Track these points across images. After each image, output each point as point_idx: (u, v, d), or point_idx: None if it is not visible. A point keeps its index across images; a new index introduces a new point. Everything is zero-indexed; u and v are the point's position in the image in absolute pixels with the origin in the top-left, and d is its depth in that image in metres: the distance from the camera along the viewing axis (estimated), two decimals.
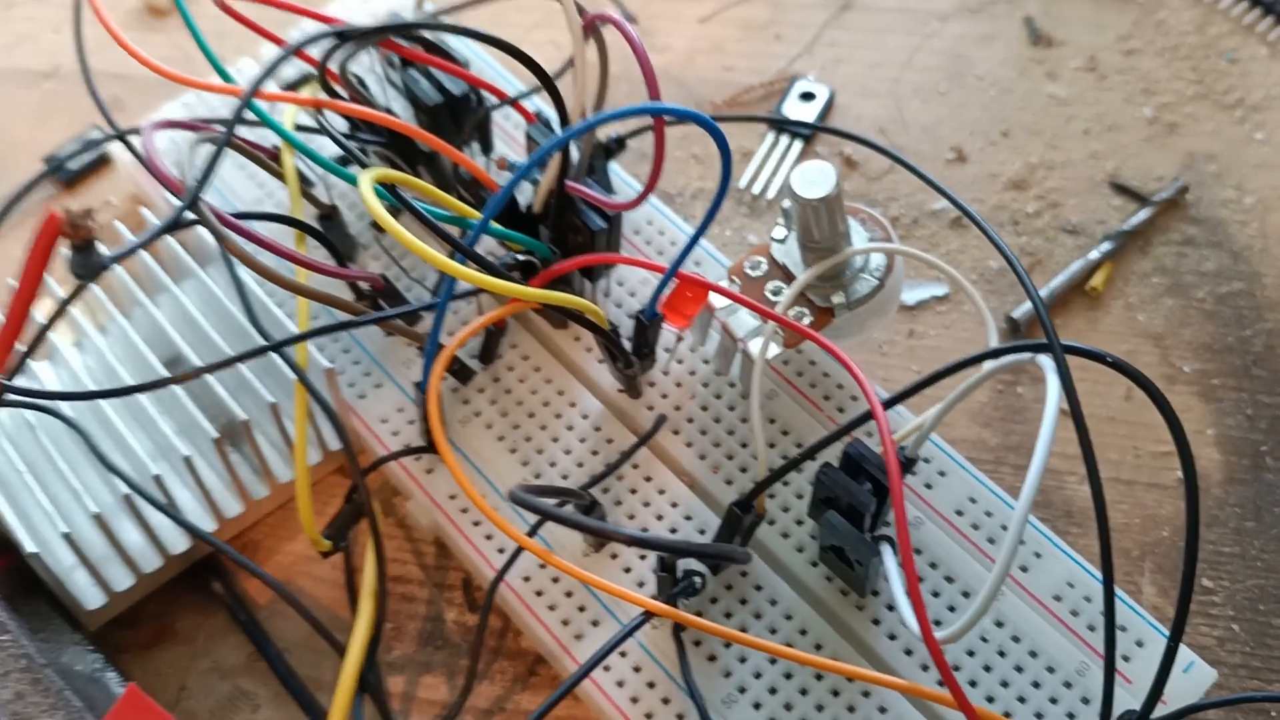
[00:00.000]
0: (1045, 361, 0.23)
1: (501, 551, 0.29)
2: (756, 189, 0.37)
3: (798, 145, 0.37)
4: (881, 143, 0.37)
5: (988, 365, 0.25)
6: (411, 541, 0.31)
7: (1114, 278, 0.34)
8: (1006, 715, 0.26)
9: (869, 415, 0.25)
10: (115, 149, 0.37)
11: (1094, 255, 0.34)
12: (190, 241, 0.33)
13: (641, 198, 0.28)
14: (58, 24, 0.43)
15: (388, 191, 0.26)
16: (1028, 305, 0.34)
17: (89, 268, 0.20)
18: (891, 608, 0.28)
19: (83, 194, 0.38)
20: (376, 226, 0.31)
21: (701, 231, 0.28)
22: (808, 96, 0.38)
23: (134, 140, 0.36)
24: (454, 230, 0.27)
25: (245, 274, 0.30)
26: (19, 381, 0.26)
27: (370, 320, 0.28)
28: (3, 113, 0.41)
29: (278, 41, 0.30)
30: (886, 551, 0.26)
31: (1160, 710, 0.24)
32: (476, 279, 0.25)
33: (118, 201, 0.38)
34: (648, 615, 0.26)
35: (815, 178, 0.28)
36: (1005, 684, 0.27)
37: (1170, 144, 0.37)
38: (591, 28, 0.28)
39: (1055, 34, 0.40)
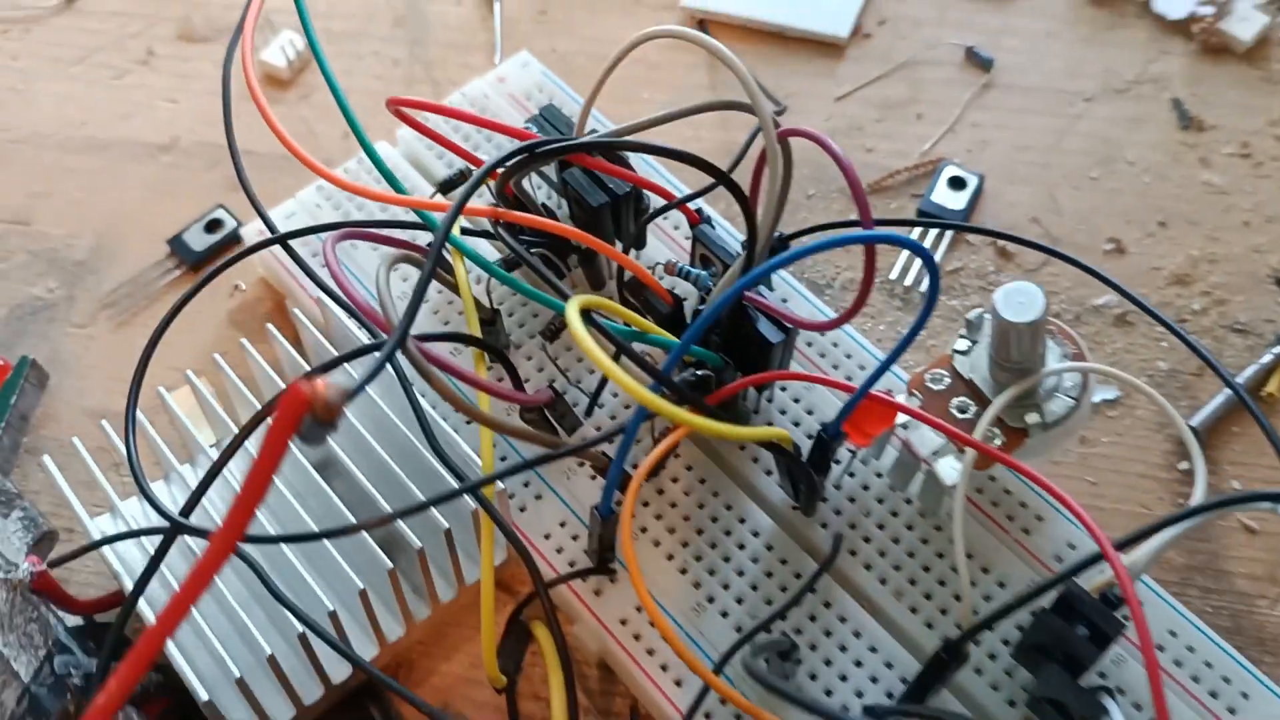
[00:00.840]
0: None
1: (679, 684, 0.28)
2: (908, 281, 0.36)
3: (949, 235, 0.36)
4: (1036, 233, 0.36)
5: (1224, 510, 0.24)
6: (575, 662, 0.30)
7: None
8: None
9: (1093, 559, 0.24)
10: (247, 232, 0.36)
11: (1266, 359, 0.33)
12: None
13: (839, 323, 0.27)
14: (171, 92, 0.42)
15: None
16: (1204, 413, 0.32)
17: (319, 440, 0.19)
18: None
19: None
20: (545, 336, 0.30)
21: (895, 357, 0.26)
22: (957, 183, 0.37)
23: (254, 230, 0.35)
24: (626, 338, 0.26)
25: (420, 396, 0.29)
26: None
27: (566, 453, 0.26)
28: (119, 187, 0.40)
29: (468, 156, 0.29)
30: (1113, 709, 0.24)
31: None
32: (685, 419, 0.24)
33: (246, 286, 0.37)
34: None
35: (1023, 300, 0.26)
36: None
37: None
38: (783, 140, 0.27)
39: (1205, 117, 0.38)
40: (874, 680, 0.27)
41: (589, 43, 0.42)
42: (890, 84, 0.40)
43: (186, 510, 0.25)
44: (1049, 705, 0.25)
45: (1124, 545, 0.24)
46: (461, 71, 0.42)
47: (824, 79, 0.40)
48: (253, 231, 0.36)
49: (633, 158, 0.35)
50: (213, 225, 0.38)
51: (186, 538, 0.27)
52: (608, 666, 0.30)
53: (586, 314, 0.25)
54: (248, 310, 0.36)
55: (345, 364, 0.26)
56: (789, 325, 0.29)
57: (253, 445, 0.27)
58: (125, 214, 0.39)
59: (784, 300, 0.33)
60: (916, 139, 0.39)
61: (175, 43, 0.43)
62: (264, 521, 0.28)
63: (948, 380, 0.29)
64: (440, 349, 0.32)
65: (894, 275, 0.36)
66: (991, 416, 0.27)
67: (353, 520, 0.27)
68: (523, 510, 0.30)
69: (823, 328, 0.28)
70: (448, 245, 0.29)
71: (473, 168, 0.31)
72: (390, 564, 0.26)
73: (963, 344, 0.29)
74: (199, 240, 0.38)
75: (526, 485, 0.31)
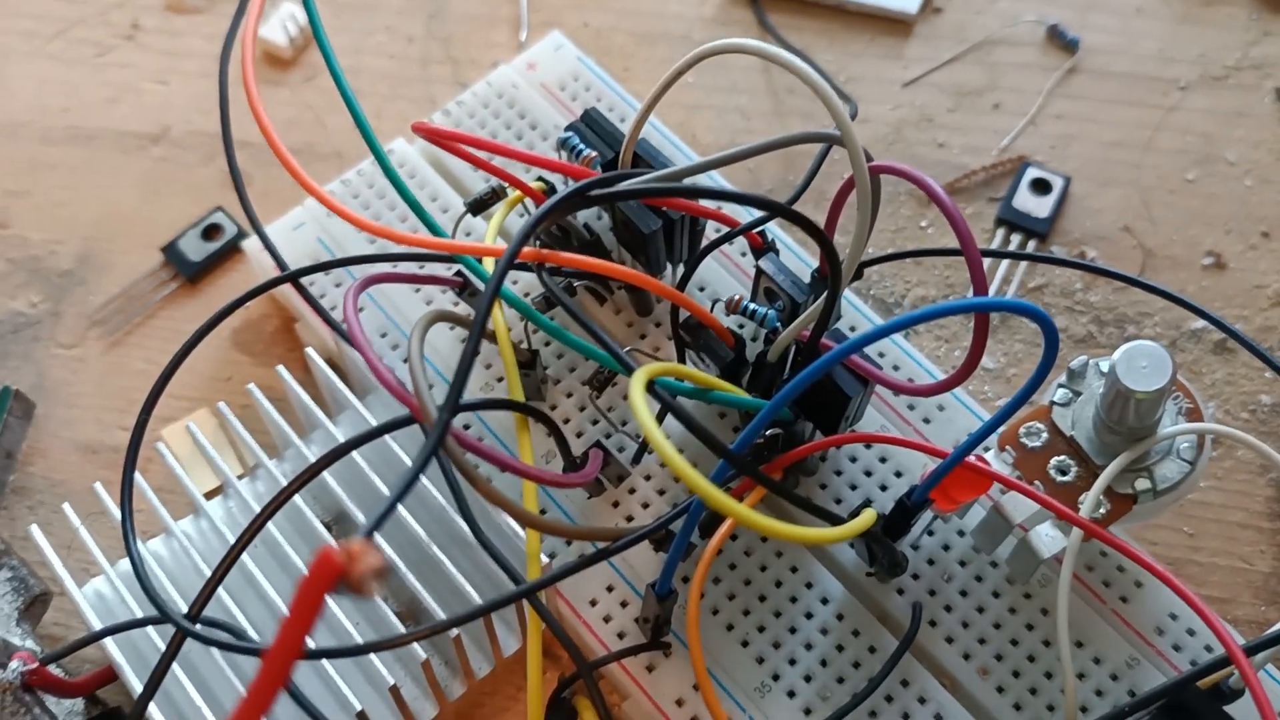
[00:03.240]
0: None
1: None
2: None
3: (1032, 244, 0.33)
4: (1127, 244, 0.33)
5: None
6: None
7: None
8: None
9: (1220, 661, 0.22)
10: (250, 246, 0.32)
11: None
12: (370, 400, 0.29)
13: (943, 388, 0.24)
14: (161, 73, 0.38)
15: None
16: None
17: (349, 595, 0.16)
18: None
19: (207, 292, 0.34)
20: (592, 387, 0.27)
21: (998, 423, 0.23)
22: (1040, 186, 0.33)
23: (255, 242, 0.31)
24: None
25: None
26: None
27: (625, 545, 0.23)
28: (106, 184, 0.36)
29: (500, 174, 0.26)
30: None
31: None
32: (752, 521, 0.20)
33: (251, 304, 0.33)
34: None
35: (1146, 365, 0.23)
36: None
37: None
38: (874, 176, 0.23)
39: None
40: None
41: (625, 16, 0.38)
42: (963, 67, 0.36)
43: (195, 613, 0.22)
44: None
45: (1255, 650, 0.22)
46: (484, 50, 0.37)
47: (890, 61, 0.36)
48: (256, 246, 0.32)
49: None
50: (211, 231, 0.34)
51: (216, 654, 0.24)
52: None
53: (650, 384, 0.22)
54: (252, 330, 0.33)
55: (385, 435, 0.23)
56: (867, 379, 0.25)
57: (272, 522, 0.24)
58: (114, 216, 0.35)
59: (852, 328, 0.30)
60: (994, 133, 0.35)
61: (163, 14, 0.39)
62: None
63: (1045, 436, 0.26)
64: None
65: None
66: (1101, 487, 0.24)
67: (386, 609, 0.24)
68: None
69: (916, 393, 0.24)
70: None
71: (505, 185, 0.28)
72: (424, 655, 0.24)
73: (1062, 394, 0.26)
74: (196, 249, 0.34)
75: (569, 544, 0.28)
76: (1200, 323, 0.32)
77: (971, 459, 0.25)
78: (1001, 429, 0.26)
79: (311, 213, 0.32)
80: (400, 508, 0.25)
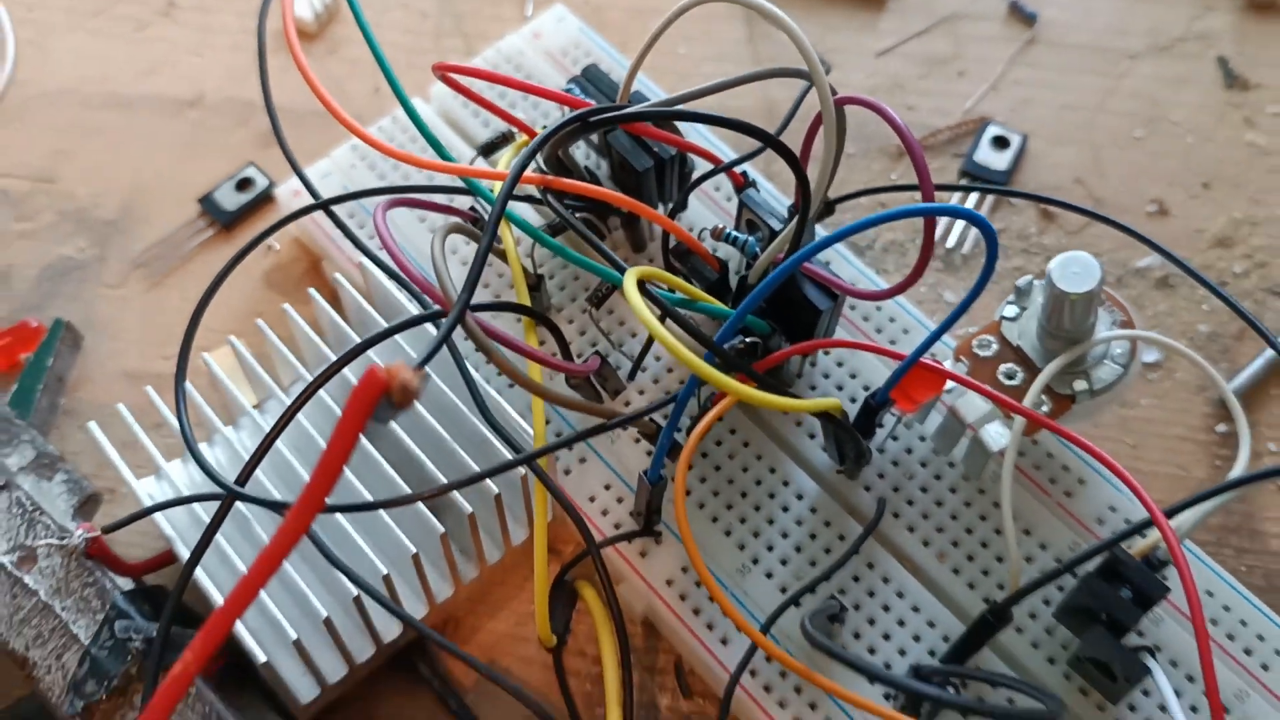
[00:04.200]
0: None
1: (725, 643, 0.28)
2: (950, 243, 0.35)
3: (991, 197, 0.36)
4: (1079, 194, 0.36)
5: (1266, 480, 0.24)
6: None
7: None
8: None
9: (1143, 524, 0.25)
10: (282, 192, 0.36)
11: None
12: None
13: (891, 294, 0.27)
14: (195, 46, 0.41)
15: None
16: (1244, 377, 0.32)
17: (389, 418, 0.19)
18: (1134, 708, 0.27)
19: (240, 238, 0.37)
20: (591, 303, 0.30)
21: (947, 327, 0.26)
22: (1000, 142, 0.37)
23: (289, 190, 0.34)
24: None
25: (471, 366, 0.29)
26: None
27: (620, 423, 0.26)
28: (145, 145, 0.39)
29: (508, 118, 0.29)
30: (1156, 669, 0.25)
31: None
32: (738, 390, 0.24)
33: (280, 247, 0.37)
34: None
35: (1079, 271, 0.26)
36: None
37: None
38: (839, 108, 0.27)
39: (1250, 76, 0.38)
40: (916, 639, 0.28)
41: None
42: (933, 39, 0.39)
43: (242, 479, 0.25)
44: (1091, 664, 0.26)
45: (1173, 513, 0.25)
46: (492, 24, 0.41)
47: (865, 33, 0.40)
48: (287, 192, 0.35)
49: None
50: (244, 184, 0.38)
51: (239, 504, 0.27)
52: (652, 625, 0.30)
53: (642, 285, 0.25)
54: (282, 271, 0.36)
55: (397, 335, 0.26)
56: (836, 292, 0.29)
57: (304, 415, 0.27)
58: (153, 172, 0.38)
59: (827, 263, 0.33)
60: (959, 97, 0.38)
61: None
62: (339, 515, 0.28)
63: (995, 347, 0.29)
64: (488, 316, 0.32)
65: (937, 238, 0.35)
66: (1042, 385, 0.27)
67: (405, 487, 0.27)
68: (567, 473, 0.30)
69: (875, 298, 0.28)
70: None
71: (514, 130, 0.31)
72: (442, 529, 0.27)
73: (1011, 310, 0.29)
74: (230, 199, 0.37)
75: (570, 449, 0.31)
76: (1144, 261, 0.35)
77: (928, 360, 0.28)
78: (957, 342, 0.30)
79: (337, 164, 0.35)
80: (419, 407, 0.28)
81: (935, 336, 0.26)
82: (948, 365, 0.29)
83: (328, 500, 0.27)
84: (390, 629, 0.28)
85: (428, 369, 0.29)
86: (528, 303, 0.28)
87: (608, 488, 0.30)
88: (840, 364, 0.32)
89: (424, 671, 0.30)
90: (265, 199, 0.37)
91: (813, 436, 0.31)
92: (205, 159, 0.38)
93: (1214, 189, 0.36)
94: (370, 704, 0.29)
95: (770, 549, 0.29)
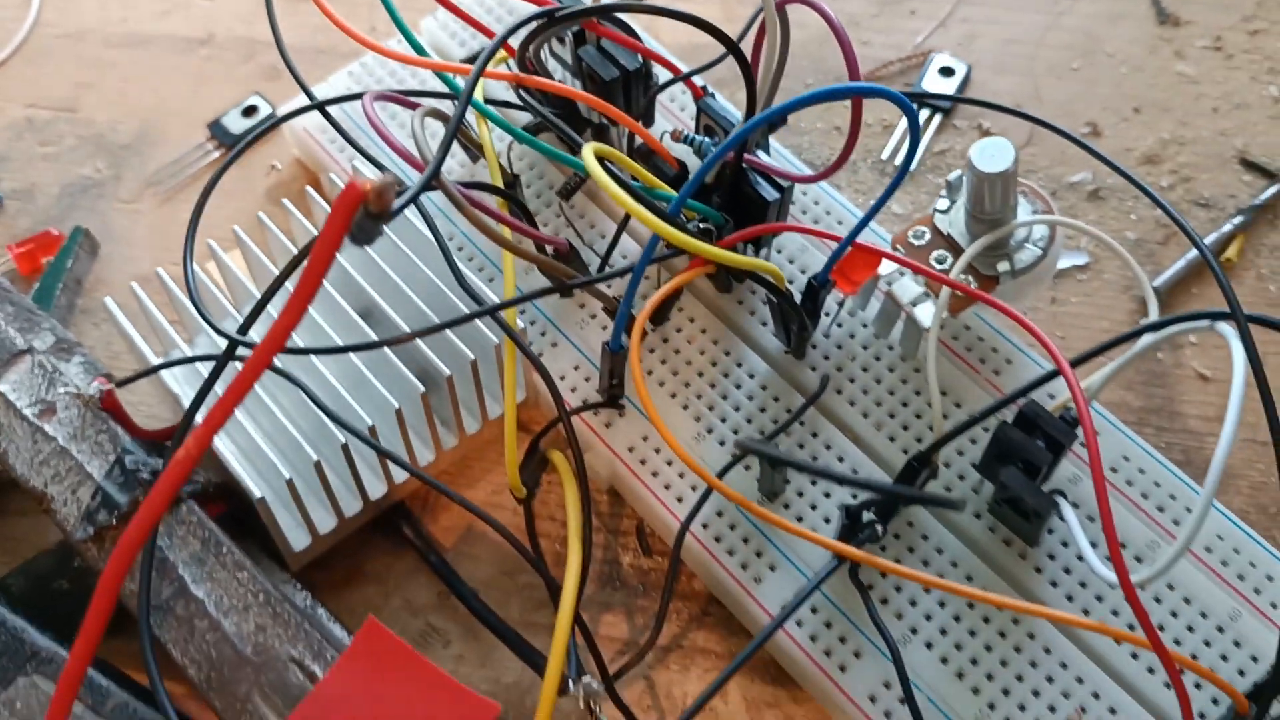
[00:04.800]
0: (1227, 330, 0.25)
1: (680, 501, 0.31)
2: (899, 159, 0.38)
3: (938, 119, 0.39)
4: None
5: (1170, 330, 0.26)
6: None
7: (1245, 250, 0.36)
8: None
9: (1049, 375, 0.27)
10: (284, 112, 0.39)
11: (1227, 228, 0.36)
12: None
13: (827, 174, 0.30)
14: None
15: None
16: (1166, 275, 0.35)
17: (370, 238, 0.22)
18: (1054, 556, 0.29)
19: (247, 158, 0.40)
20: (561, 196, 0.33)
21: (883, 201, 0.29)
22: (946, 72, 0.40)
23: (293, 108, 0.37)
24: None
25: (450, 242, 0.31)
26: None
27: (581, 283, 0.29)
28: (160, 78, 0.42)
29: (477, 26, 0.32)
30: (1063, 504, 0.27)
31: None
32: (683, 240, 0.27)
33: (281, 166, 0.40)
34: (840, 561, 0.28)
35: (995, 153, 0.29)
36: (1162, 628, 0.28)
37: None
38: (781, 9, 0.30)
39: (1181, 14, 0.41)
40: (854, 497, 0.31)
41: None
42: None
43: (245, 328, 0.28)
44: (1008, 506, 0.28)
45: (1078, 362, 0.27)
46: None
47: None
48: (288, 111, 0.38)
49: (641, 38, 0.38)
50: (250, 110, 0.41)
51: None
52: (617, 493, 0.33)
53: (601, 161, 0.28)
54: (283, 189, 0.39)
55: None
56: (784, 184, 0.31)
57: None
58: (166, 102, 0.42)
59: (802, 211, 0.36)
60: (909, 33, 0.41)
61: None
62: (311, 356, 0.31)
63: (929, 236, 0.32)
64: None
65: (885, 155, 0.38)
66: (965, 261, 0.30)
67: (389, 352, 0.30)
68: (540, 356, 0.33)
69: (813, 179, 0.31)
70: (473, 111, 0.32)
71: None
72: (422, 388, 0.30)
73: (943, 203, 0.32)
74: (237, 124, 0.40)
75: (544, 335, 0.34)
76: (1078, 176, 0.38)
77: (866, 245, 0.31)
78: (894, 236, 0.33)
79: (333, 87, 0.39)
80: (403, 285, 0.31)
81: (867, 219, 0.29)
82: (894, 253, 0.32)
83: (319, 364, 0.30)
84: (376, 487, 0.31)
85: (409, 250, 0.32)
86: (499, 183, 0.31)
87: (576, 368, 0.33)
88: (791, 260, 0.35)
89: (407, 533, 0.32)
90: (269, 123, 0.40)
91: (765, 324, 0.34)
92: (214, 90, 0.42)
93: (1144, 113, 0.39)
94: (359, 561, 0.32)
95: (723, 420, 0.32)
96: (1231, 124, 0.38)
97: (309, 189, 0.34)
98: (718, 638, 0.31)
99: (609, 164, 0.29)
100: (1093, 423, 0.25)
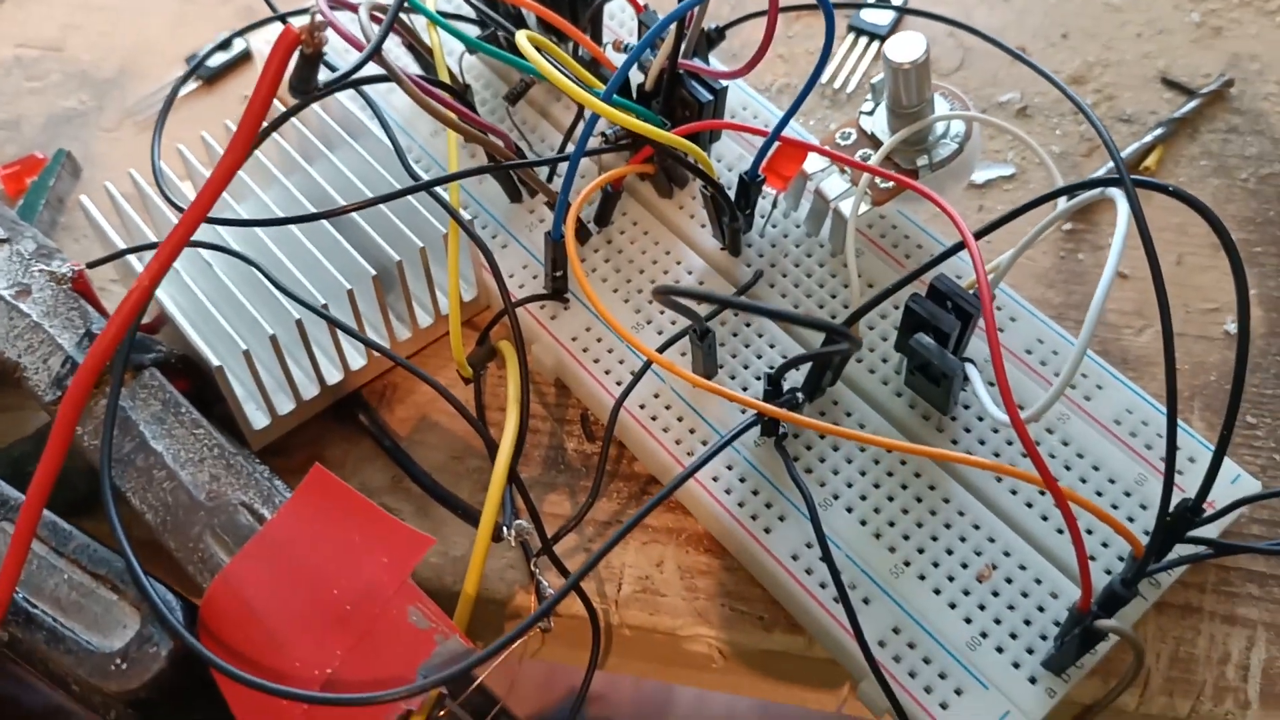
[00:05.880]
0: (1116, 193, 0.27)
1: (619, 384, 0.33)
2: (837, 84, 0.40)
3: (876, 44, 0.41)
4: (951, 44, 0.41)
5: (1062, 203, 0.28)
6: (534, 384, 0.35)
7: (1165, 160, 0.38)
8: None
9: (956, 247, 0.29)
10: (255, 43, 0.41)
11: (1148, 139, 0.38)
12: (339, 118, 0.37)
13: (750, 66, 0.32)
14: None
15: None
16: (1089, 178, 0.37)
17: (308, 85, 0.24)
18: (969, 429, 0.31)
19: (221, 90, 0.42)
20: (508, 100, 0.35)
21: (806, 93, 0.31)
22: (884, 3, 0.42)
23: (262, 39, 0.39)
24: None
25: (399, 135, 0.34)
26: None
27: (515, 165, 0.31)
28: (142, 21, 0.45)
29: None
30: (970, 367, 0.29)
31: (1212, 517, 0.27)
32: (618, 117, 0.29)
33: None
34: (757, 419, 0.29)
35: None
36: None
37: (1216, 46, 0.40)
38: None
39: None
40: (772, 368, 0.32)
41: None
42: None
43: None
44: (920, 374, 0.30)
45: (981, 233, 0.29)
46: None
47: None
48: (260, 41, 0.41)
49: None
50: (225, 44, 0.43)
51: (204, 254, 0.32)
52: (564, 386, 0.35)
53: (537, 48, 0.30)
54: None
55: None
56: (717, 85, 0.33)
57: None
58: (149, 42, 0.44)
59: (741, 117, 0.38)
60: None
61: None
62: (265, 238, 0.33)
63: (854, 136, 0.34)
64: None
65: (824, 79, 0.40)
66: (884, 152, 0.32)
67: (340, 238, 0.32)
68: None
69: (737, 74, 0.32)
70: (427, 21, 0.34)
71: None
72: (373, 271, 0.31)
73: (868, 105, 0.34)
74: (213, 59, 0.43)
75: (495, 237, 0.36)
76: (1006, 96, 0.40)
77: (793, 139, 0.33)
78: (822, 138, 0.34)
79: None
80: (355, 181, 0.33)
81: (790, 114, 0.31)
82: (814, 156, 0.34)
83: (275, 249, 0.31)
84: (333, 373, 0.33)
85: (361, 151, 0.34)
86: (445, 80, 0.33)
87: (525, 267, 0.35)
88: (730, 169, 0.36)
89: (364, 420, 0.34)
90: (244, 58, 0.43)
91: (704, 226, 0.35)
92: (195, 30, 0.44)
93: (1071, 39, 0.41)
94: (318, 449, 0.34)
95: (662, 312, 0.34)
96: (1154, 47, 0.40)
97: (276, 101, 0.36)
98: (655, 514, 0.32)
99: (546, 54, 0.31)
100: (988, 280, 0.27)
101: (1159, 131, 0.38)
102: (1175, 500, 0.26)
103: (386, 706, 0.24)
